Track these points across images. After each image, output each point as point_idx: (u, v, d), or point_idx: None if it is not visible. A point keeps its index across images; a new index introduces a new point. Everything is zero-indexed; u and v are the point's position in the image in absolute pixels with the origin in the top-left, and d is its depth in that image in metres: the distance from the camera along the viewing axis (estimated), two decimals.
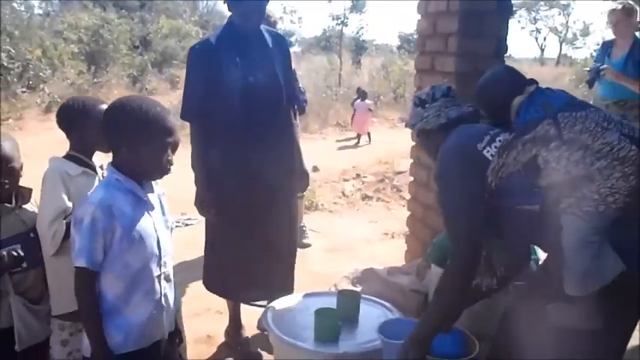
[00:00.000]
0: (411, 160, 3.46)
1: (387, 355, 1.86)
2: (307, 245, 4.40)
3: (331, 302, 2.23)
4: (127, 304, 1.60)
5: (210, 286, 2.76)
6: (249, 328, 2.93)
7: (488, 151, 1.70)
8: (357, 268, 3.07)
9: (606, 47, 4.26)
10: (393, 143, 9.18)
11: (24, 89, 11.50)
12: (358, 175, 6.57)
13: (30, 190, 1.98)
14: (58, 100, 11.33)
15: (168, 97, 12.64)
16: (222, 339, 2.91)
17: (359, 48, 21.62)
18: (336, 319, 2.08)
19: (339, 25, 21.09)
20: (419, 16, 3.20)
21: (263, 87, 2.51)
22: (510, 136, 1.67)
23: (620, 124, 1.60)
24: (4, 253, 1.82)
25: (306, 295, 2.42)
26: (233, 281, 2.68)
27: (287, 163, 2.69)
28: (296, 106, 2.86)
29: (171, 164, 2.06)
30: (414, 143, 3.40)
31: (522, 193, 1.66)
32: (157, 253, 1.66)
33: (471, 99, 1.99)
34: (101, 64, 14.99)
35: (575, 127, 1.58)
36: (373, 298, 2.41)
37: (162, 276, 1.69)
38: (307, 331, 2.07)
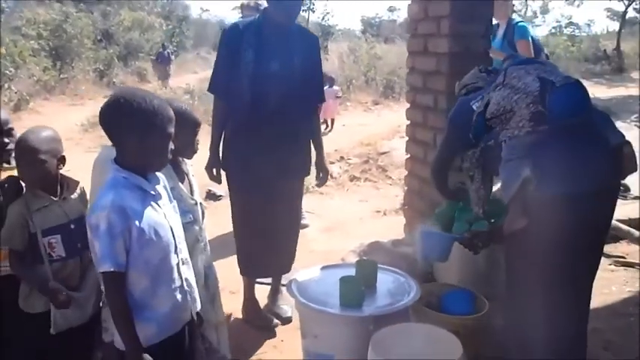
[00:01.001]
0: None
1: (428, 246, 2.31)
2: (305, 226, 4.52)
3: (347, 273, 2.34)
4: (154, 297, 1.61)
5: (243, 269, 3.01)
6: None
7: (474, 104, 2.12)
8: (362, 242, 3.25)
9: (495, 29, 4.57)
10: (368, 125, 9.34)
11: None
12: (342, 158, 6.67)
13: (76, 182, 2.03)
14: (27, 97, 11.11)
15: None
16: (239, 316, 3.05)
17: (325, 33, 21.66)
18: (360, 285, 2.23)
19: (305, 11, 21.11)
20: (409, 1, 3.31)
21: (275, 74, 2.66)
22: (487, 91, 2.09)
23: (542, 71, 1.95)
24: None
25: (324, 268, 2.56)
26: (252, 259, 2.84)
27: (294, 151, 2.82)
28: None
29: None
30: (408, 122, 3.57)
31: (487, 131, 2.05)
32: (173, 242, 1.67)
33: (463, 75, 2.36)
34: (66, 59, 14.69)
35: (513, 74, 1.98)
36: (385, 266, 2.55)
37: (181, 262, 1.70)
38: (331, 299, 2.20)
